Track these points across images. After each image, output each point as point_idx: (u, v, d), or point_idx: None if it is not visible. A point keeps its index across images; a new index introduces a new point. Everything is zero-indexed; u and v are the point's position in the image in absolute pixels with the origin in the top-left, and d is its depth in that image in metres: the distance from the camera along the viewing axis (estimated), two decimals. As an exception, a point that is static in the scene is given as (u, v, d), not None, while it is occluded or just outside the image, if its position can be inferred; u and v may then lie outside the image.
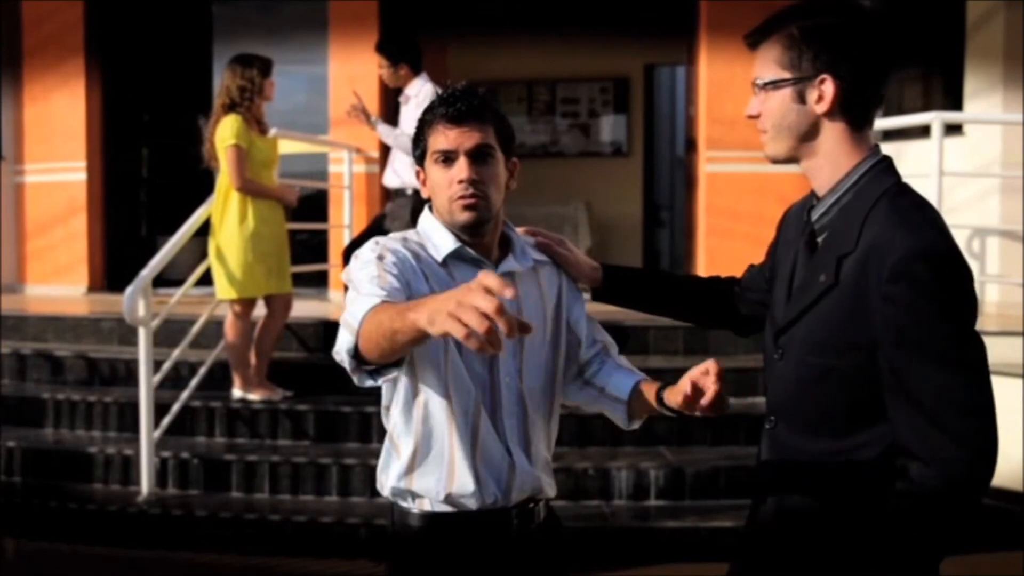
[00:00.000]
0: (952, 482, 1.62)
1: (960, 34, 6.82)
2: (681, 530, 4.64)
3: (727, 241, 7.49)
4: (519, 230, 2.17)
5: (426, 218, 2.08)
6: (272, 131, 5.57)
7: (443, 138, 1.98)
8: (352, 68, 7.95)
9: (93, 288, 8.65)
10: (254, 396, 5.46)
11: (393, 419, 2.08)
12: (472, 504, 2.03)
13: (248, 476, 5.10)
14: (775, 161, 1.86)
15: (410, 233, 2.07)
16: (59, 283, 8.65)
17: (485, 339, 1.43)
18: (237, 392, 5.48)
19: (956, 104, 6.85)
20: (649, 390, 2.06)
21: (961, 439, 1.62)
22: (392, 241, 2.01)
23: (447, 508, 2.04)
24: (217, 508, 4.94)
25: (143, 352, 5.03)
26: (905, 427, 1.66)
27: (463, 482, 2.01)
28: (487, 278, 1.46)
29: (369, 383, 1.88)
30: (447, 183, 1.99)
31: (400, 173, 6.01)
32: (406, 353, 1.83)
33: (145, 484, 5.05)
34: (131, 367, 5.54)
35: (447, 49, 10.80)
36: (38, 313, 7.00)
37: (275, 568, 4.57)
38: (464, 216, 1.98)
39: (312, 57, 8.53)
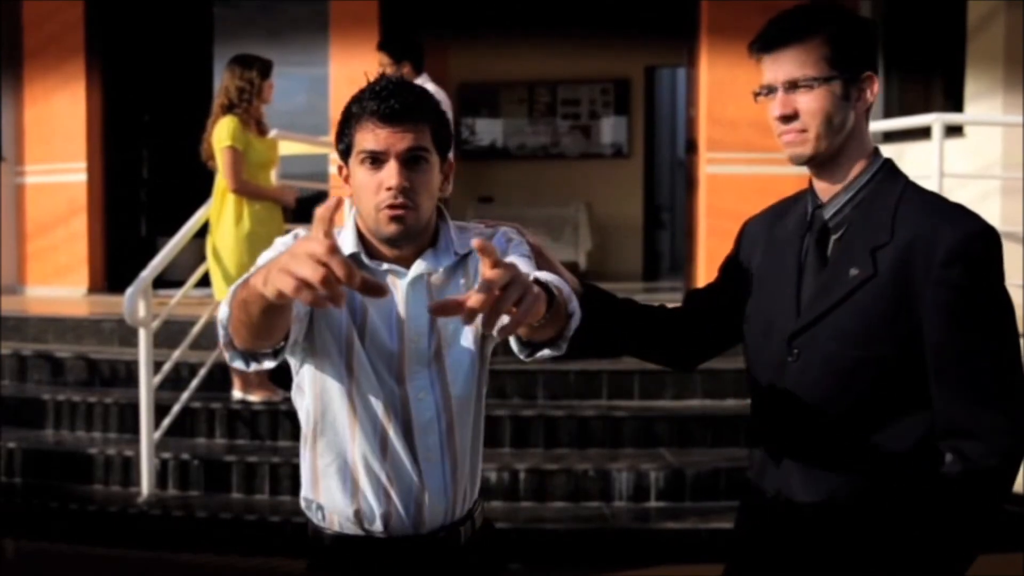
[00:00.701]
0: (1008, 454, 1.70)
1: (961, 36, 6.82)
2: (681, 531, 4.64)
3: (728, 243, 7.37)
4: (505, 227, 1.94)
5: (348, 216, 1.90)
6: (272, 132, 5.57)
7: (372, 137, 1.79)
8: (353, 69, 7.90)
9: (93, 289, 8.65)
10: (254, 397, 5.45)
11: (304, 407, 1.90)
12: (379, 529, 1.85)
13: (248, 477, 5.10)
14: (805, 162, 1.86)
15: (336, 230, 1.83)
16: (59, 284, 8.65)
17: (321, 292, 1.25)
18: (237, 393, 5.48)
19: (957, 106, 6.85)
20: None
21: (1013, 412, 1.70)
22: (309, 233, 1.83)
23: (356, 530, 1.87)
24: (217, 509, 4.94)
25: (143, 353, 5.03)
26: (956, 408, 1.72)
27: (369, 502, 1.84)
28: (320, 210, 1.32)
29: (238, 364, 1.72)
30: (374, 187, 1.79)
31: None
32: (271, 331, 1.64)
33: (145, 485, 5.04)
34: (131, 368, 5.54)
35: (448, 51, 10.81)
36: (38, 314, 7.01)
37: (275, 569, 4.57)
38: (390, 228, 1.79)
39: (313, 58, 8.54)
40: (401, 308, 1.84)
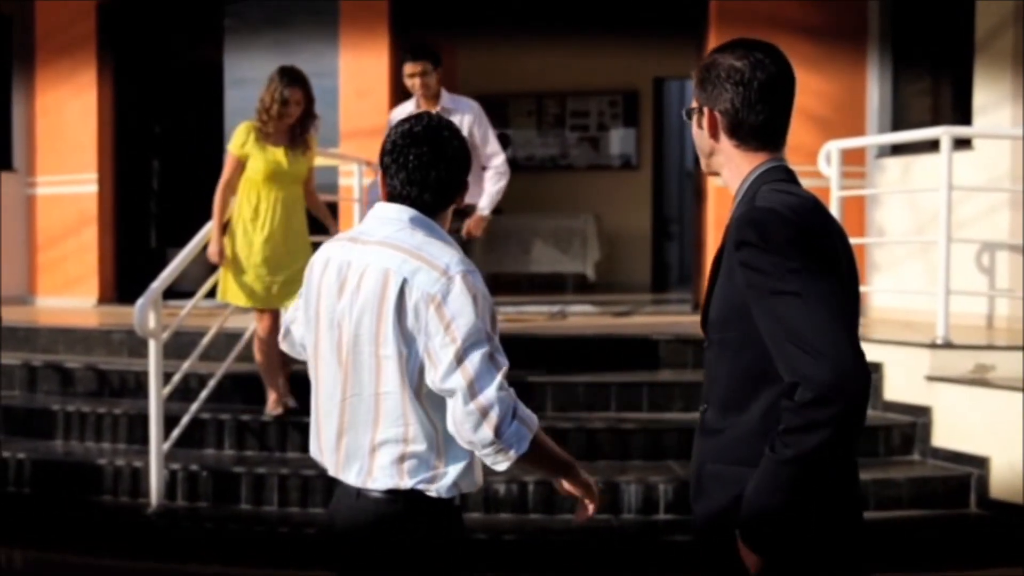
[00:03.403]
0: (821, 390, 1.79)
1: (969, 48, 6.81)
2: (690, 544, 4.63)
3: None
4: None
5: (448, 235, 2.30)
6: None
7: None
8: (362, 81, 7.98)
9: (104, 300, 8.68)
10: (277, 411, 5.39)
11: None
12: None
13: (257, 488, 5.10)
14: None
15: (454, 244, 2.27)
16: (70, 295, 8.68)
17: None
18: (273, 411, 5.41)
19: (965, 118, 6.84)
20: None
21: (821, 353, 1.81)
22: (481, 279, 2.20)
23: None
24: (226, 520, 4.95)
25: (153, 364, 5.04)
26: (781, 362, 1.87)
27: None
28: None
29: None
30: None
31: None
32: None
33: (154, 496, 5.05)
34: (141, 379, 5.56)
35: (457, 63, 10.83)
36: (48, 325, 7.04)
37: (283, 580, 4.57)
38: None
39: (322, 69, 8.54)
40: None
